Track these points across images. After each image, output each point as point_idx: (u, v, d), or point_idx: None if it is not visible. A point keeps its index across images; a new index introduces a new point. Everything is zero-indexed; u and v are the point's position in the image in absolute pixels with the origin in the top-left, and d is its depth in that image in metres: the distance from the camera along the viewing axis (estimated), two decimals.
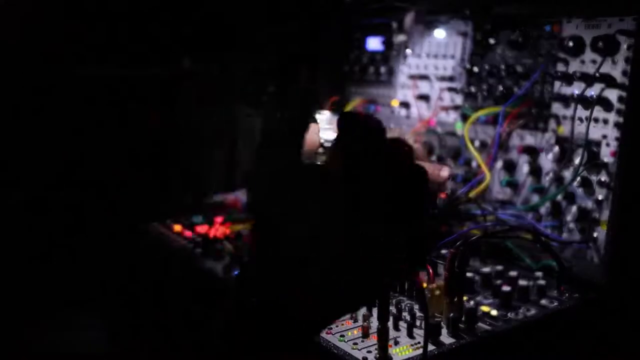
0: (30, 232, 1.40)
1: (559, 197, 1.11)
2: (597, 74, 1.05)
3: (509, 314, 0.90)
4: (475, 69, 1.28)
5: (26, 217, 1.53)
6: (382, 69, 1.50)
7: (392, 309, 0.88)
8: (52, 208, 1.56)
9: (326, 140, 0.77)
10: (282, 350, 0.62)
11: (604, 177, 1.05)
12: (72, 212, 1.57)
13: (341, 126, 0.62)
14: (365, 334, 0.84)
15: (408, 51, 1.44)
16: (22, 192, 1.55)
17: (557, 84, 1.14)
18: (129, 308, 1.30)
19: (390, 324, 0.83)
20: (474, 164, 1.29)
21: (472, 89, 1.28)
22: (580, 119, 1.09)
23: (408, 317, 0.86)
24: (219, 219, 1.26)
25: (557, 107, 1.14)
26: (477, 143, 1.25)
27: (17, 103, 1.55)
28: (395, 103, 1.47)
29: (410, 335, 0.84)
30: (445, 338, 0.83)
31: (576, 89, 1.10)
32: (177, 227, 1.28)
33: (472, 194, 1.13)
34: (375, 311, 0.80)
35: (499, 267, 1.05)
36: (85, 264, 1.42)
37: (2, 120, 1.49)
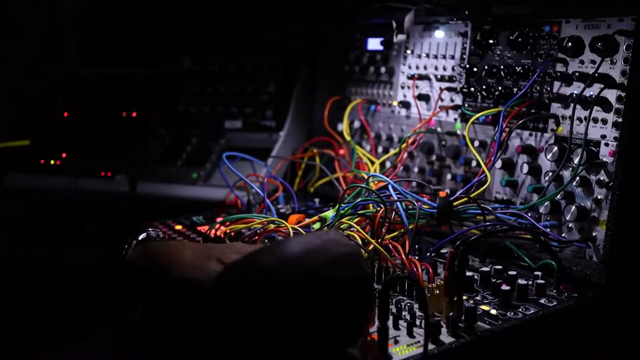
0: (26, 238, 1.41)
1: (559, 197, 1.11)
2: (596, 74, 1.05)
3: (508, 313, 0.90)
4: (475, 69, 1.29)
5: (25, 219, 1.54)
6: (382, 69, 1.50)
7: (392, 308, 0.88)
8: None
9: None
10: None
11: (603, 177, 1.05)
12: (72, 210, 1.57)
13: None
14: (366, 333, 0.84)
15: (408, 51, 1.44)
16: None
17: (556, 84, 1.14)
18: (128, 308, 1.30)
19: (390, 323, 0.84)
20: (473, 164, 1.29)
21: (472, 89, 1.29)
22: (580, 119, 1.10)
23: (408, 316, 0.86)
24: (218, 219, 1.26)
25: (556, 107, 1.15)
26: (476, 143, 1.26)
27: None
28: (395, 103, 1.47)
29: (410, 334, 0.84)
30: (445, 337, 0.83)
31: (575, 89, 1.11)
32: (178, 227, 1.28)
33: (472, 194, 1.13)
34: (375, 310, 0.80)
35: (499, 267, 1.05)
36: (84, 264, 1.41)
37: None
